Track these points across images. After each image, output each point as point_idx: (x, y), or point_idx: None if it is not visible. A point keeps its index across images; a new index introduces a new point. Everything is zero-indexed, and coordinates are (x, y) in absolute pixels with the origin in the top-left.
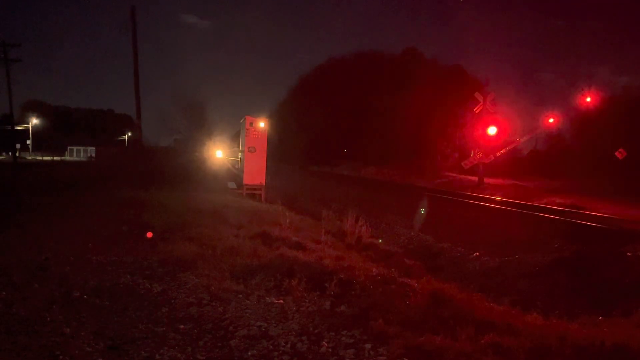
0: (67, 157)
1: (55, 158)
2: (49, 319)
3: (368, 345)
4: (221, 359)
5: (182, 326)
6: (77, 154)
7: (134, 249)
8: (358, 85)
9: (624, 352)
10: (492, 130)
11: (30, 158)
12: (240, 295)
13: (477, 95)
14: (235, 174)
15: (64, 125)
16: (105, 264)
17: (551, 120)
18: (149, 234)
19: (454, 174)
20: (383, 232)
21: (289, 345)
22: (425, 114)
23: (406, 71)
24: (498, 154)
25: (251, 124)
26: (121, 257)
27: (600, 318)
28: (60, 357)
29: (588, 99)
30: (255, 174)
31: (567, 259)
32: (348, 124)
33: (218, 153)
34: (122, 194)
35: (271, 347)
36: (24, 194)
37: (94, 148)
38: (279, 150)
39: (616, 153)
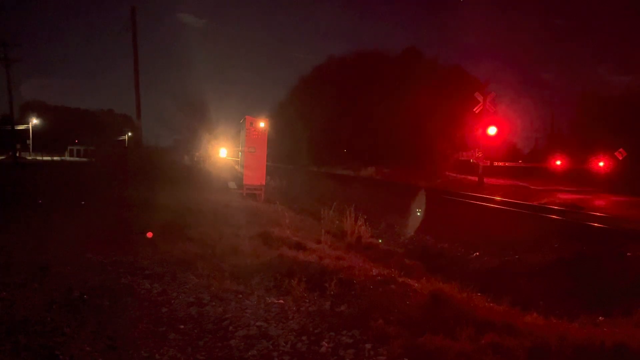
0: (67, 157)
1: (55, 158)
2: (49, 319)
3: (368, 345)
4: (221, 359)
5: (182, 326)
6: (77, 153)
7: (134, 249)
8: (358, 85)
9: (624, 352)
10: (492, 130)
11: (30, 158)
12: (240, 295)
13: (477, 95)
14: (236, 174)
15: (64, 125)
16: (105, 264)
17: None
18: (149, 234)
19: (454, 174)
20: (383, 232)
21: (289, 345)
22: (425, 114)
23: (406, 71)
24: (496, 164)
25: (251, 124)
26: (121, 257)
27: (600, 318)
28: (60, 357)
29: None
30: (256, 174)
31: (567, 259)
32: (348, 124)
33: (222, 152)
34: (122, 194)
35: (271, 347)
36: (24, 194)
37: (93, 148)
38: (279, 150)
39: (616, 153)
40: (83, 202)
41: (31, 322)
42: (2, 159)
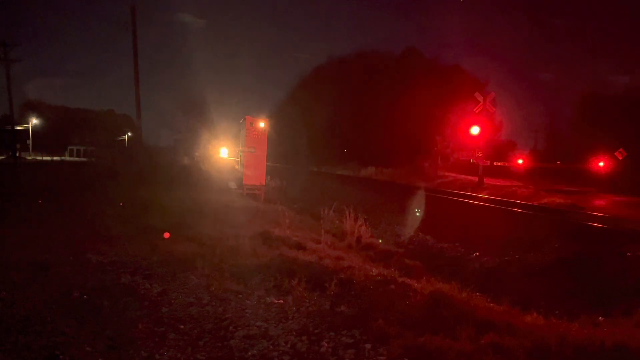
0: (67, 157)
1: (55, 158)
2: (49, 319)
3: (368, 345)
4: (221, 359)
5: (182, 326)
6: (77, 153)
7: (133, 249)
8: (358, 85)
9: (624, 352)
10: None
11: (30, 158)
12: (240, 295)
13: (477, 95)
14: (236, 174)
15: (64, 125)
16: (105, 264)
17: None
18: (150, 234)
19: (454, 174)
20: (383, 232)
21: (288, 345)
22: (425, 114)
23: (406, 71)
24: (496, 164)
25: (251, 124)
26: (121, 257)
27: (600, 318)
28: (60, 357)
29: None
30: (256, 174)
31: (567, 259)
32: (348, 124)
33: (223, 152)
34: (122, 194)
35: (271, 347)
36: (24, 194)
37: (93, 148)
38: (279, 150)
39: (616, 153)
40: (83, 202)
41: (31, 322)
42: (2, 159)
